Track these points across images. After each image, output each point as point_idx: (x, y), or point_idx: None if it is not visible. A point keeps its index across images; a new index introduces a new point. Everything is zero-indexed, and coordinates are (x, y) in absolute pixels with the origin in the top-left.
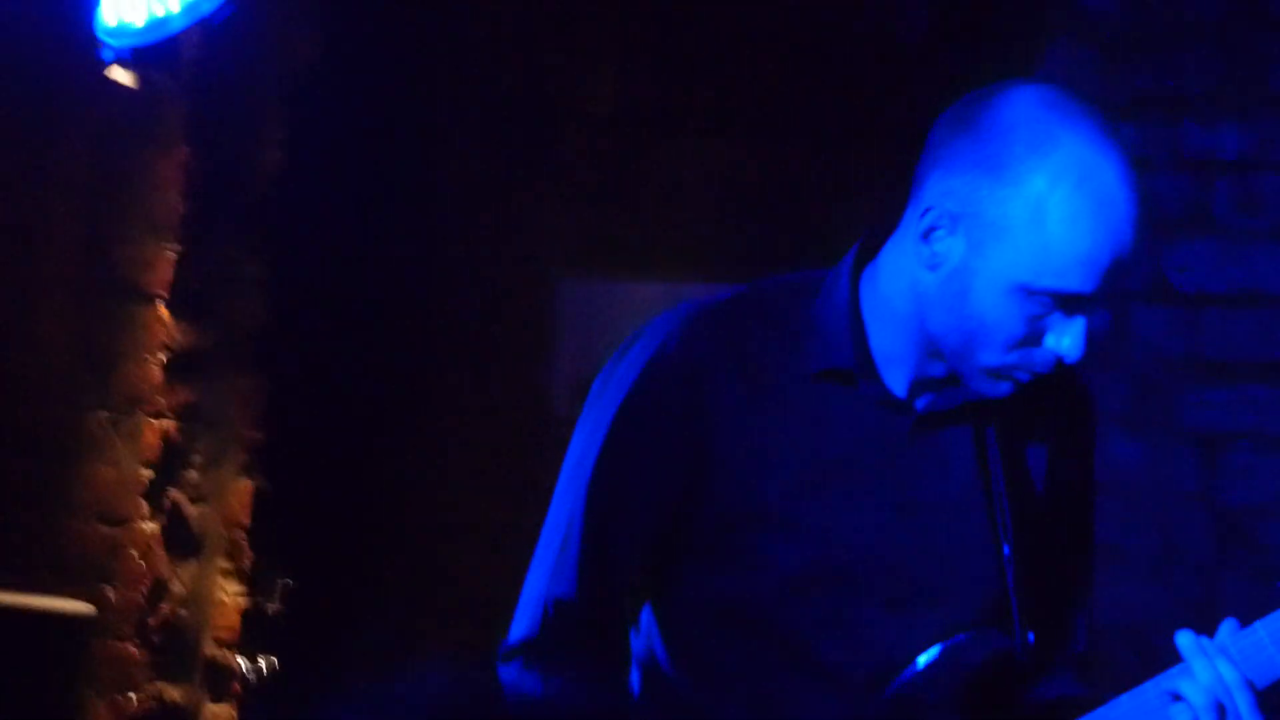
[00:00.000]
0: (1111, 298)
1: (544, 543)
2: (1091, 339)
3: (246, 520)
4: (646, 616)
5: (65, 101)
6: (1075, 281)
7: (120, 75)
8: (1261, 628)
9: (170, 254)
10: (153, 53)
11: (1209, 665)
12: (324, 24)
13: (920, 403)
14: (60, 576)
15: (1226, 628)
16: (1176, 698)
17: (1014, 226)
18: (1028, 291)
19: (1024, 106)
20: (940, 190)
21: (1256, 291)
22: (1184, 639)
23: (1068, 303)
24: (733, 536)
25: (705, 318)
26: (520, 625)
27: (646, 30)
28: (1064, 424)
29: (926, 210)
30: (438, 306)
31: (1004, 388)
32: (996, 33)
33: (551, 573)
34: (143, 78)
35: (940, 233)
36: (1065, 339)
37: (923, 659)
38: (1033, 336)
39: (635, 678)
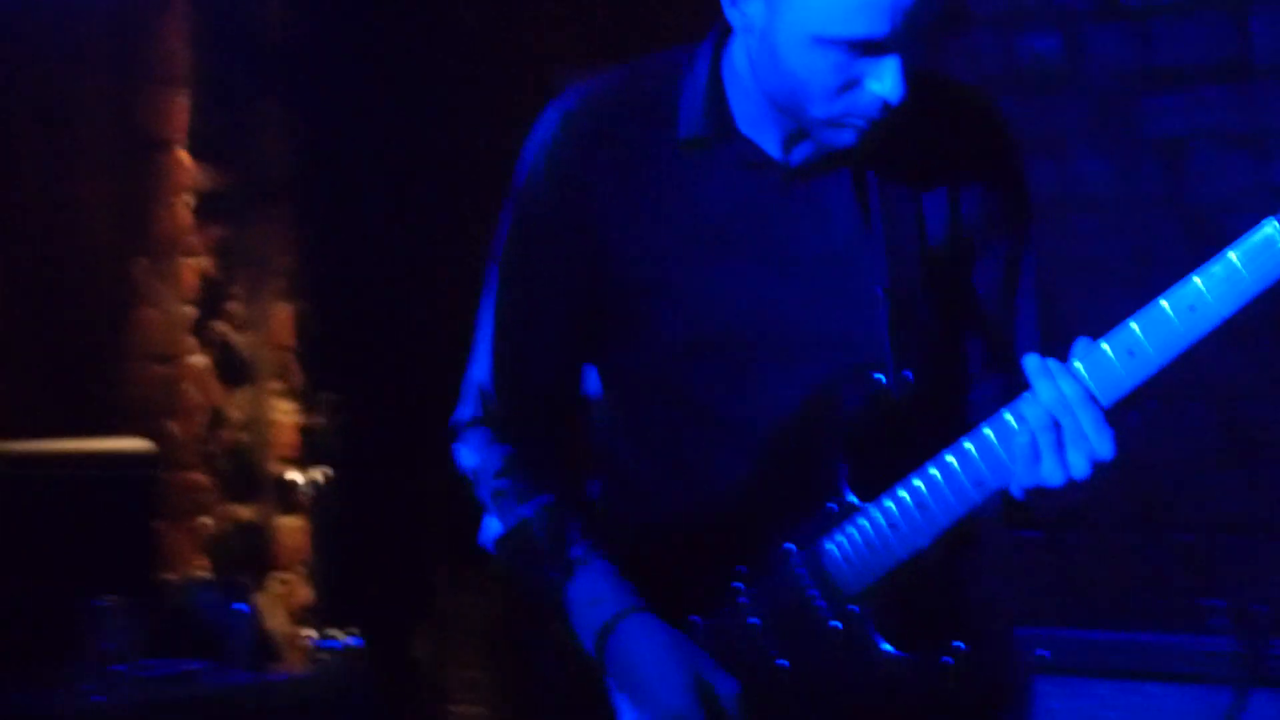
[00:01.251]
0: (922, 39)
1: (476, 335)
2: (907, 77)
3: (292, 342)
4: (595, 386)
5: None
6: (863, 26)
7: None
8: (1107, 341)
9: (183, 101)
10: None
11: (1051, 384)
12: None
13: (794, 156)
14: (123, 418)
15: (1078, 346)
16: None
17: None
18: (823, 41)
19: None
20: None
21: None
22: (1030, 361)
23: (868, 48)
24: (628, 309)
25: (582, 103)
26: (459, 408)
27: None
28: (969, 151)
29: None
30: (453, 119)
31: (847, 135)
32: None
33: (474, 360)
34: None
35: None
36: (882, 82)
37: (801, 403)
38: (851, 83)
39: (595, 441)
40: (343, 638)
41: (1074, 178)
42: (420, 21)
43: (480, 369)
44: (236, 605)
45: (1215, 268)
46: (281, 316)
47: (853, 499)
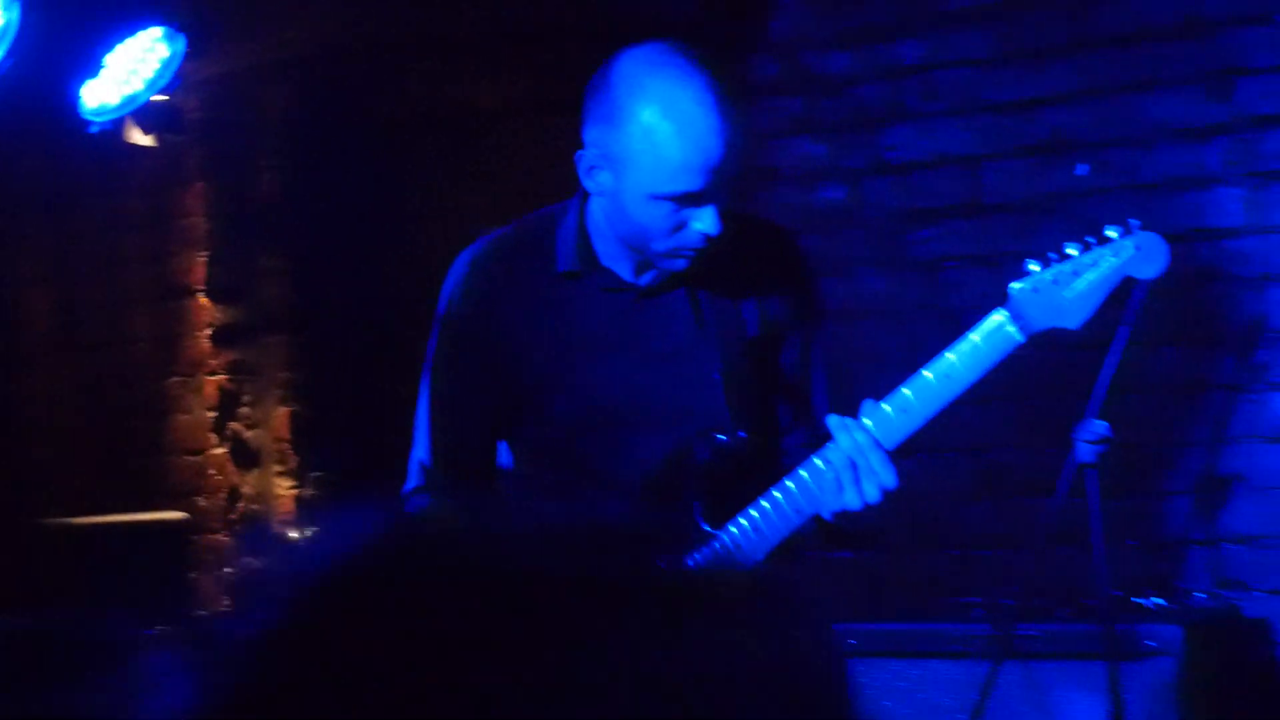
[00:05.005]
0: (730, 185)
1: (415, 424)
2: (721, 216)
3: (288, 436)
4: (506, 452)
5: (112, 165)
6: (685, 184)
7: (141, 139)
8: (887, 403)
9: (202, 259)
10: (161, 120)
11: (848, 434)
12: (292, 78)
13: (643, 280)
14: (164, 497)
15: (865, 406)
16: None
17: (633, 155)
18: (657, 198)
19: (620, 66)
20: (586, 140)
21: (947, 155)
22: (831, 419)
23: (690, 199)
24: (530, 399)
25: (485, 250)
26: (407, 482)
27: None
28: (772, 267)
29: (581, 158)
30: (408, 267)
31: (680, 263)
32: (744, 4)
33: (416, 443)
34: (159, 138)
35: (595, 171)
36: (703, 222)
37: (664, 459)
38: (680, 224)
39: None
40: None
41: (860, 292)
42: (381, 199)
43: (421, 450)
44: None
45: (962, 345)
46: (281, 417)
47: (706, 527)
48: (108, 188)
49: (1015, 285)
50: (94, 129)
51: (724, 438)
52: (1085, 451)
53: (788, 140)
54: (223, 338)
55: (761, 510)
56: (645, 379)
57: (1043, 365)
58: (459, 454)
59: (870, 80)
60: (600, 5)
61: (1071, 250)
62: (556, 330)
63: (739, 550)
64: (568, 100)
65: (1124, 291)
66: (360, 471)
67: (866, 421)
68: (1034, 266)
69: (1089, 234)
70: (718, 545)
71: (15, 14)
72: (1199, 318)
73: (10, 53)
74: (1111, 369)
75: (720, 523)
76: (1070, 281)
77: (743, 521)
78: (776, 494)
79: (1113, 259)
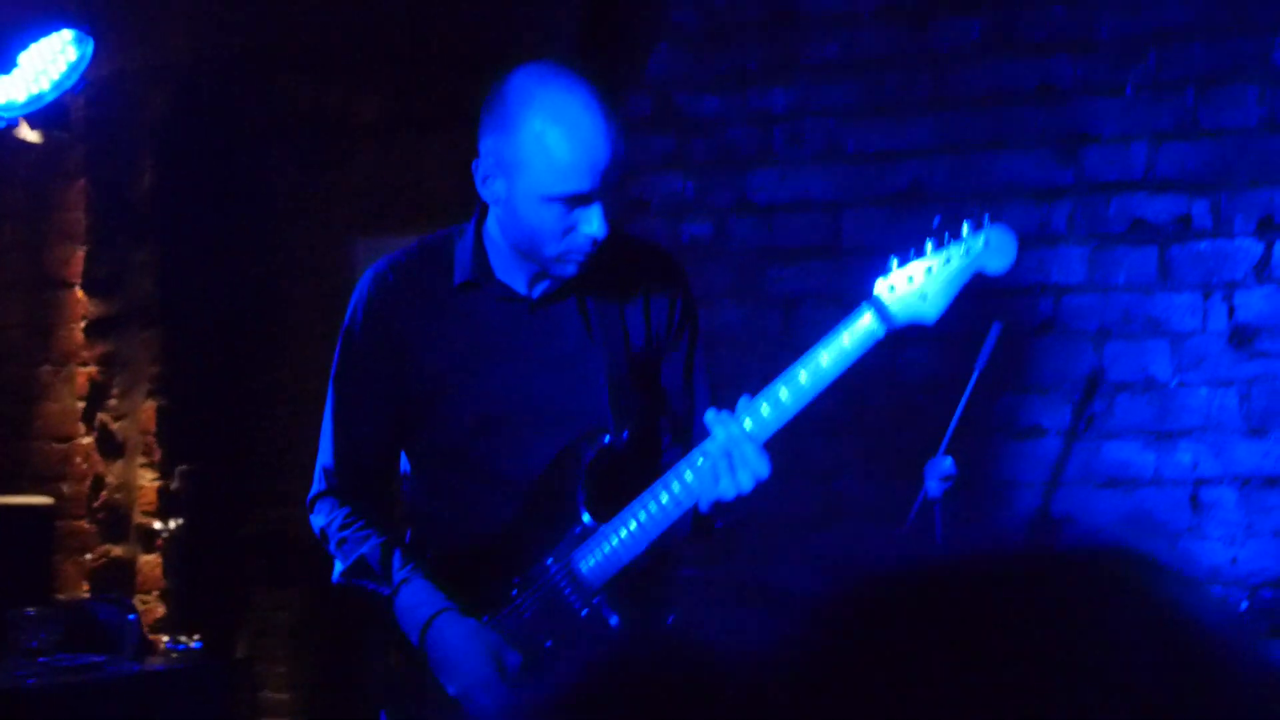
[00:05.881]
0: (613, 190)
1: (321, 432)
2: (607, 219)
3: (154, 429)
4: (403, 459)
5: None
6: (575, 184)
7: (28, 134)
8: (761, 398)
9: (80, 252)
10: (48, 117)
11: (724, 428)
12: (174, 81)
13: (535, 292)
14: (29, 481)
15: (741, 403)
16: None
17: (525, 160)
18: (549, 199)
19: (513, 81)
20: (482, 151)
21: (809, 200)
22: (709, 414)
23: (579, 200)
24: (429, 405)
25: (389, 266)
26: (312, 488)
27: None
28: (656, 285)
29: (476, 167)
30: (275, 269)
31: (571, 269)
32: (621, 43)
33: (320, 450)
34: (45, 134)
35: (490, 179)
36: (591, 224)
37: (552, 458)
38: (570, 228)
39: (405, 499)
40: (189, 642)
41: (718, 323)
42: (250, 194)
43: (324, 455)
44: (130, 616)
45: (831, 344)
46: (147, 410)
47: (589, 521)
48: None
49: (878, 284)
50: (0, 125)
51: (608, 438)
52: (934, 487)
53: (658, 175)
54: (96, 330)
55: (644, 505)
56: (538, 384)
57: (887, 403)
58: (360, 458)
59: (740, 124)
60: (477, 35)
61: (928, 248)
62: (454, 339)
63: (623, 544)
64: (436, 120)
65: (979, 337)
66: (223, 465)
67: (741, 415)
68: (894, 263)
69: (947, 229)
70: (603, 540)
71: None
72: (1040, 367)
73: None
74: (961, 410)
75: (604, 517)
76: (926, 278)
77: (629, 518)
78: (660, 489)
79: (963, 257)
